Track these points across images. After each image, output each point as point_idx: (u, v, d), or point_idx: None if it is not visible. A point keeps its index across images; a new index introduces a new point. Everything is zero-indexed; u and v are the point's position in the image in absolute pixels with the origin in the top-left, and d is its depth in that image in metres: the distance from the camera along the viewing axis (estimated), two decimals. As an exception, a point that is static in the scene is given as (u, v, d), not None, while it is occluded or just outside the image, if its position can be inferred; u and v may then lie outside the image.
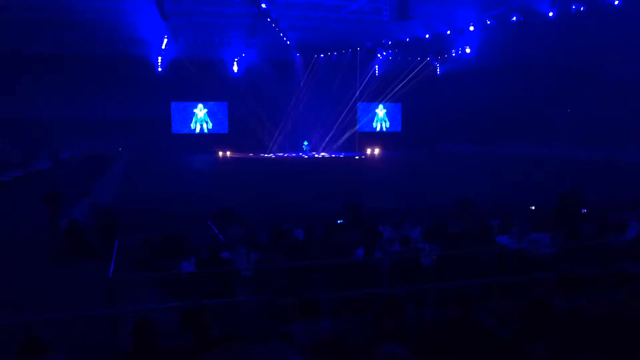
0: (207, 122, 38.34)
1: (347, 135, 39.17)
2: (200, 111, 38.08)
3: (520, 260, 7.91)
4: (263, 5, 21.50)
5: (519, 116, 34.51)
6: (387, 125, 42.56)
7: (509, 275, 6.50)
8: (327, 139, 38.64)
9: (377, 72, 39.31)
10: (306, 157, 35.97)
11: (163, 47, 32.35)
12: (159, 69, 34.49)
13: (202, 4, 23.91)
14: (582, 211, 11.11)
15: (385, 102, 40.75)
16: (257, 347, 1.43)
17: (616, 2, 21.92)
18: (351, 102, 39.13)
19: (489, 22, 26.52)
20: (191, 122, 38.14)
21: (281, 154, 36.77)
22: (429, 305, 5.84)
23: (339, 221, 10.27)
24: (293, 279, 6.95)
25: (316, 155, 36.23)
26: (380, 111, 42.11)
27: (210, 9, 25.06)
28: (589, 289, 4.86)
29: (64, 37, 28.25)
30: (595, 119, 31.13)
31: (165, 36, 30.64)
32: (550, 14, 23.54)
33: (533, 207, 11.85)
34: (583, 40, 27.07)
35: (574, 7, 23.08)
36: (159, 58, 34.14)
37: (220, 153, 35.82)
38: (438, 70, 40.43)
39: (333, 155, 36.60)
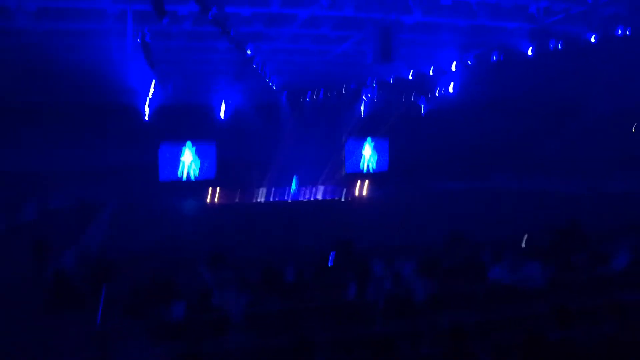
0: (194, 170, 38.32)
1: (334, 176, 39.28)
2: (187, 157, 38.13)
3: (513, 294, 7.89)
4: (248, 52, 21.84)
5: (505, 151, 34.92)
6: (374, 167, 42.83)
7: (503, 308, 6.47)
8: (314, 179, 38.68)
9: (362, 112, 39.79)
10: (294, 200, 35.93)
11: (150, 95, 32.57)
12: (146, 117, 34.64)
13: (189, 51, 24.25)
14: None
15: (373, 139, 41.11)
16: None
17: (592, 40, 22.55)
18: (338, 143, 39.42)
19: (469, 62, 27.10)
20: (178, 169, 38.11)
21: (269, 199, 36.68)
22: (425, 343, 5.77)
23: (329, 263, 10.22)
24: (285, 320, 6.86)
25: (303, 199, 36.21)
26: (367, 151, 42.42)
27: (197, 56, 25.42)
28: (583, 321, 4.85)
29: (50, 87, 28.35)
30: (578, 152, 31.61)
31: (153, 81, 30.86)
32: (530, 52, 24.13)
33: (526, 236, 11.90)
34: (563, 76, 27.69)
35: (551, 45, 23.69)
36: (147, 107, 34.34)
37: (209, 199, 35.70)
38: (422, 109, 40.99)
39: (321, 197, 36.61)
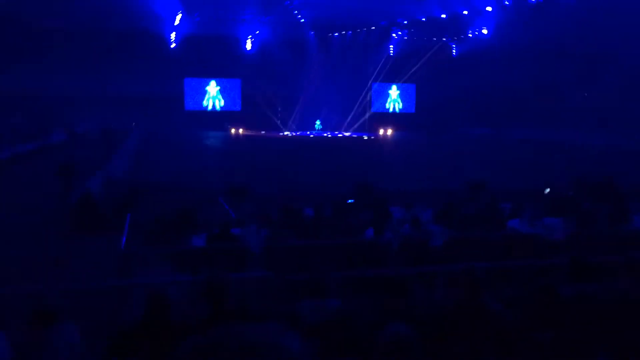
0: (219, 100, 38.28)
1: (360, 115, 38.98)
2: (212, 88, 38.01)
3: (531, 245, 7.89)
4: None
5: (534, 100, 34.10)
6: (401, 107, 42.23)
7: (519, 260, 6.49)
8: (340, 119, 38.48)
9: (391, 52, 38.88)
10: (318, 136, 35.90)
11: (176, 23, 32.21)
12: (173, 45, 34.37)
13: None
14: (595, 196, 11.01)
15: (400, 82, 40.41)
16: (251, 327, 1.42)
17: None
18: (365, 83, 38.85)
19: (507, 3, 26.07)
20: (204, 99, 38.12)
21: (294, 133, 36.72)
22: (437, 288, 5.85)
23: (349, 201, 10.27)
24: (302, 257, 6.98)
25: (329, 135, 36.14)
26: (394, 92, 41.75)
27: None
28: (600, 276, 4.84)
29: (78, 11, 28.18)
30: (611, 105, 30.69)
31: (179, 12, 30.48)
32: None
33: (547, 190, 11.76)
34: (602, 24, 26.52)
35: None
36: (173, 34, 34.01)
37: (233, 130, 35.84)
38: (454, 51, 39.91)
39: (346, 135, 36.49)
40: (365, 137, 35.16)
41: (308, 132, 36.99)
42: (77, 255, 8.99)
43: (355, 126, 38.66)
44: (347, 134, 37.16)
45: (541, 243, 7.87)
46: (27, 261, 8.46)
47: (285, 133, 36.51)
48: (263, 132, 35.60)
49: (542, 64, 32.97)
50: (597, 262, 5.15)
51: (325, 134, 36.72)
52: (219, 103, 38.29)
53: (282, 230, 7.85)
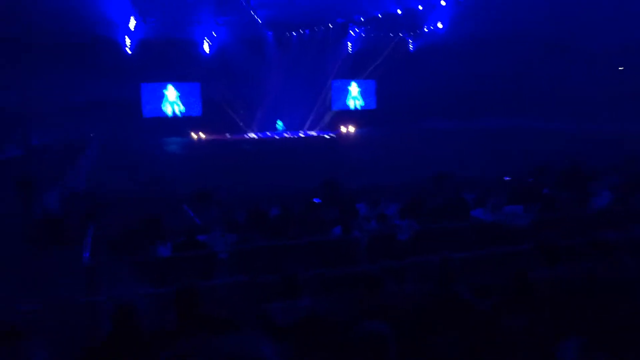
0: (178, 105, 37.68)
1: (321, 113, 39.00)
2: (171, 93, 37.40)
3: (497, 232, 8.02)
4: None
5: (494, 90, 34.73)
6: (362, 103, 42.44)
7: (486, 249, 6.57)
8: (302, 118, 38.41)
9: (350, 49, 39.03)
10: (280, 137, 35.79)
11: (131, 27, 31.61)
12: (128, 51, 33.70)
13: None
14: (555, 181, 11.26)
15: (360, 79, 40.60)
16: (226, 337, 1.37)
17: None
18: (325, 81, 38.89)
19: (460, -4, 26.50)
20: (162, 105, 37.46)
21: (255, 135, 36.50)
22: (408, 281, 5.87)
23: (315, 199, 10.25)
24: (271, 258, 6.92)
25: (290, 135, 36.06)
26: (354, 89, 41.92)
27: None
28: (567, 259, 4.93)
29: (29, 19, 27.35)
30: (572, 91, 31.52)
31: (132, 16, 29.92)
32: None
33: (508, 179, 11.99)
34: (558, 12, 27.18)
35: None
36: (127, 39, 33.34)
37: (194, 135, 35.38)
38: (411, 46, 40.34)
39: (307, 134, 36.46)
40: (327, 136, 35.22)
41: (269, 134, 36.81)
42: (41, 270, 8.71)
43: (317, 124, 38.67)
44: (310, 132, 37.12)
45: (504, 230, 8.01)
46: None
47: (251, 135, 36.25)
48: (226, 135, 35.26)
49: (499, 54, 33.59)
50: (562, 246, 5.24)
51: (286, 134, 36.62)
52: (179, 108, 37.70)
53: (249, 233, 7.77)
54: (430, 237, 7.64)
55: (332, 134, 35.90)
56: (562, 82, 31.78)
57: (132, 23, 30.92)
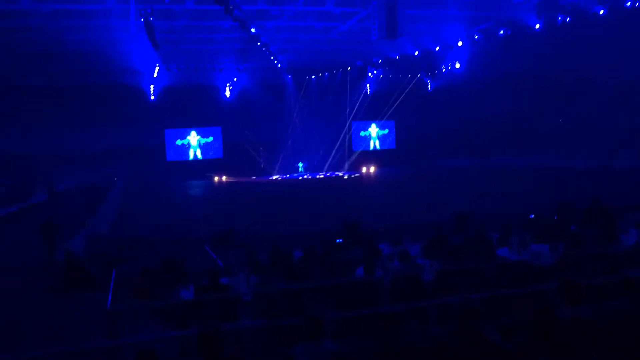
0: (200, 149, 38.29)
1: (342, 154, 39.24)
2: (193, 138, 38.07)
3: (522, 272, 7.88)
4: (252, 30, 21.68)
5: (512, 128, 34.66)
6: (381, 143, 42.65)
7: (511, 288, 6.45)
8: (322, 159, 38.68)
9: (369, 90, 39.52)
10: (301, 178, 35.99)
11: (155, 75, 32.51)
12: (152, 98, 34.57)
13: (192, 31, 24.12)
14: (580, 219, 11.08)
15: (379, 120, 40.93)
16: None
17: (601, 12, 22.22)
18: (344, 122, 39.28)
19: (476, 37, 26.80)
20: (185, 149, 38.09)
21: (277, 177, 36.76)
22: (432, 322, 5.78)
23: (337, 240, 10.22)
24: (294, 300, 6.88)
25: (310, 177, 36.24)
26: (374, 129, 42.24)
27: (201, 36, 25.30)
28: (593, 298, 4.83)
29: (56, 68, 28.37)
30: (587, 128, 31.31)
31: (157, 64, 30.82)
32: (537, 26, 23.82)
33: (532, 216, 11.82)
34: (570, 51, 27.33)
35: (560, 18, 23.38)
36: (152, 87, 34.27)
37: (216, 178, 35.79)
38: (429, 86, 40.69)
39: (328, 175, 36.62)
40: (348, 176, 35.33)
41: (290, 176, 37.04)
42: (64, 315, 8.77)
43: (337, 165, 38.86)
44: (329, 175, 37.28)
45: (531, 269, 7.87)
46: (13, 323, 8.23)
47: (274, 177, 36.53)
48: (246, 178, 35.59)
49: (515, 93, 33.67)
50: (589, 284, 5.14)
51: (307, 176, 36.82)
52: (201, 152, 38.32)
53: (272, 275, 7.76)
54: (454, 276, 7.53)
55: (353, 174, 36.03)
56: (580, 119, 31.61)
57: (156, 71, 31.83)
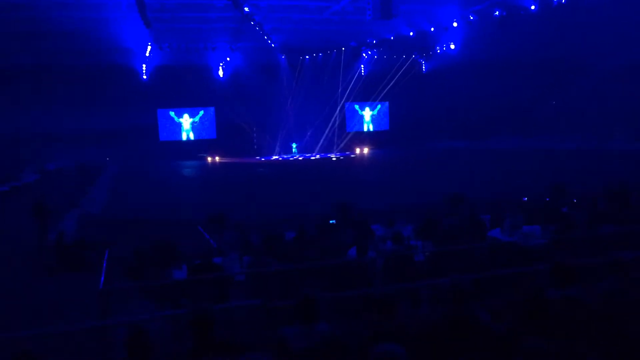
0: (192, 131, 38.11)
1: (335, 136, 39.15)
2: (185, 120, 37.87)
3: (513, 253, 7.93)
4: (246, 9, 21.43)
5: (505, 110, 34.69)
6: (375, 125, 42.57)
7: (503, 269, 6.49)
8: (316, 140, 38.59)
9: (363, 71, 39.29)
10: (295, 159, 35.94)
11: (147, 54, 32.16)
12: (144, 77, 34.25)
13: (185, 10, 23.80)
14: (573, 201, 11.14)
15: (373, 101, 40.79)
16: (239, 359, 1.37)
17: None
18: (339, 103, 39.12)
19: (472, 18, 26.63)
20: (178, 129, 37.90)
21: (270, 157, 36.69)
22: (424, 303, 5.82)
23: (330, 221, 10.22)
24: (287, 282, 6.89)
25: (303, 158, 36.18)
26: (368, 111, 42.13)
27: (193, 15, 24.96)
28: (583, 279, 4.86)
29: (46, 48, 27.97)
30: (581, 111, 31.38)
31: (149, 43, 30.47)
32: (533, 7, 23.69)
33: (525, 199, 11.87)
34: (566, 33, 27.25)
35: (555, 0, 23.25)
36: (144, 66, 33.91)
37: (209, 159, 35.67)
38: (423, 67, 40.52)
39: (322, 157, 36.58)
40: (341, 157, 35.30)
41: (284, 157, 36.98)
42: (56, 296, 8.77)
43: (331, 146, 38.79)
44: (322, 156, 37.24)
45: (522, 251, 7.92)
46: (4, 304, 8.23)
47: (259, 158, 36.45)
48: (240, 159, 35.47)
49: (510, 75, 33.62)
50: (579, 265, 5.17)
51: (299, 157, 36.76)
52: (193, 134, 38.14)
53: (264, 256, 7.76)
54: (447, 258, 7.57)
55: (346, 155, 35.99)
56: (574, 102, 31.66)
57: (148, 50, 31.49)
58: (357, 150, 38.16)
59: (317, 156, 36.81)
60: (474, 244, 8.21)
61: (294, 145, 38.43)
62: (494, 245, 8.31)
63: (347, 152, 37.73)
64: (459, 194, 11.13)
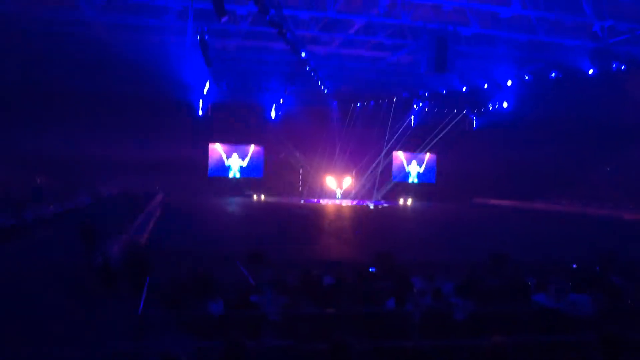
0: (242, 167, 38.80)
1: (380, 184, 39.11)
2: (234, 161, 38.65)
3: (558, 320, 7.61)
4: (303, 54, 22.02)
5: (556, 173, 33.95)
6: (421, 176, 42.34)
7: (547, 334, 6.24)
8: (360, 186, 38.65)
9: (412, 122, 39.44)
10: (339, 204, 35.98)
11: (205, 92, 33.30)
12: (200, 113, 35.36)
13: (245, 51, 24.68)
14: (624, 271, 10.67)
15: (420, 152, 40.74)
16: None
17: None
18: (386, 152, 39.24)
19: (527, 78, 26.51)
20: (226, 166, 38.70)
21: (314, 200, 36.85)
22: (462, 361, 5.62)
23: (370, 269, 10.12)
24: (321, 325, 6.81)
25: (348, 204, 36.18)
26: (414, 163, 42.05)
27: (252, 56, 25.83)
28: (635, 355, 4.61)
29: (109, 76, 29.32)
30: (632, 179, 30.38)
31: (208, 81, 31.59)
32: (590, 71, 23.41)
33: (575, 266, 11.45)
34: (623, 98, 26.70)
35: (614, 65, 22.91)
36: (200, 102, 35.08)
37: (255, 196, 36.13)
38: (474, 123, 40.34)
39: (365, 203, 36.51)
40: (385, 205, 35.10)
41: (328, 200, 37.09)
42: (93, 317, 8.89)
43: (376, 195, 38.72)
44: (367, 204, 37.16)
45: (568, 318, 7.60)
46: (43, 324, 8.40)
47: (303, 201, 36.64)
48: (285, 199, 35.77)
49: (563, 137, 32.99)
50: (629, 339, 4.92)
51: (342, 201, 36.77)
52: (240, 174, 38.85)
53: (301, 298, 7.71)
54: (488, 318, 7.33)
55: (390, 204, 35.79)
56: (628, 168, 30.70)
57: (207, 87, 32.63)
58: (401, 200, 37.95)
59: (361, 203, 36.76)
60: (518, 307, 7.94)
61: (338, 190, 38.56)
62: (539, 311, 8.01)
63: (391, 201, 37.54)
64: (503, 253, 10.86)
